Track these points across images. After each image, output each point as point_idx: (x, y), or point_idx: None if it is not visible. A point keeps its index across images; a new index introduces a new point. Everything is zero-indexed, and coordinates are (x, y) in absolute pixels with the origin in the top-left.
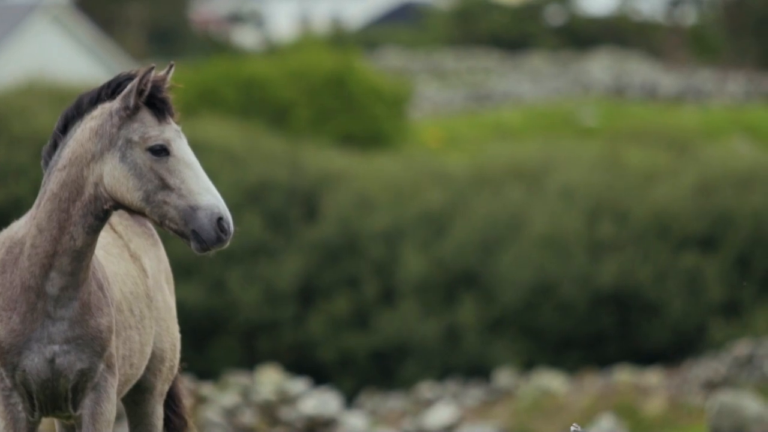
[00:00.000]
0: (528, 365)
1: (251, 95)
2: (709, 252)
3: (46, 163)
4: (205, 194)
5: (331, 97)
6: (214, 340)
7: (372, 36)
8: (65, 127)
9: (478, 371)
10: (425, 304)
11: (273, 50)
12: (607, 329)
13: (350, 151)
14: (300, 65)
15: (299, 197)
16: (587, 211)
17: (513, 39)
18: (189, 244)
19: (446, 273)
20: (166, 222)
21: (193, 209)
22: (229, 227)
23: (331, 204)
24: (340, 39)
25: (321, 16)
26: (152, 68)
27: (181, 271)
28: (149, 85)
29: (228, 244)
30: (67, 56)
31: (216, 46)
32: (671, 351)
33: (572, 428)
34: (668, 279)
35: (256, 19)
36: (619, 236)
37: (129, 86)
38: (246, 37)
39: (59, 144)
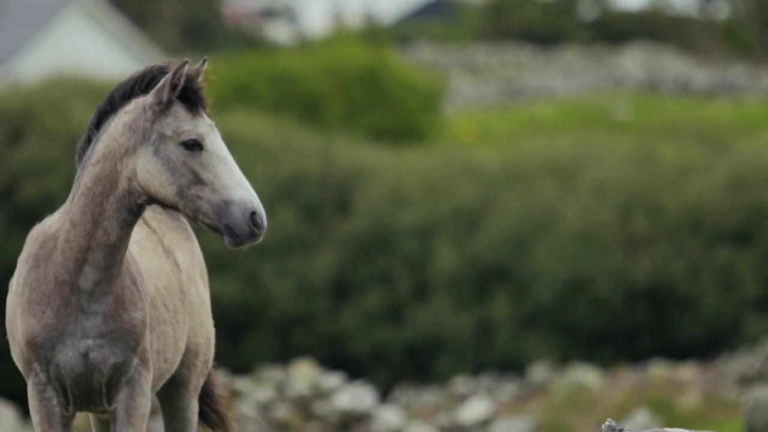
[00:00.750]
0: (562, 360)
1: (284, 90)
2: (743, 246)
3: (80, 158)
4: (238, 189)
5: (363, 91)
6: (248, 334)
7: (405, 31)
8: (99, 122)
9: (511, 366)
10: (458, 299)
11: (305, 45)
12: (640, 324)
13: (383, 146)
14: (332, 60)
15: (332, 191)
16: (620, 205)
17: (546, 33)
18: (222, 239)
19: (479, 268)
20: (200, 216)
21: (227, 204)
22: (262, 222)
23: (364, 198)
24: (372, 34)
25: (354, 11)
26: (186, 62)
27: (215, 265)
28: (183, 80)
29: (261, 238)
30: (100, 51)
31: (249, 40)
32: (705, 346)
33: (606, 423)
34: (702, 274)
35: (288, 14)
36: (652, 231)
37: (162, 80)
38: (278, 32)
39: (93, 139)
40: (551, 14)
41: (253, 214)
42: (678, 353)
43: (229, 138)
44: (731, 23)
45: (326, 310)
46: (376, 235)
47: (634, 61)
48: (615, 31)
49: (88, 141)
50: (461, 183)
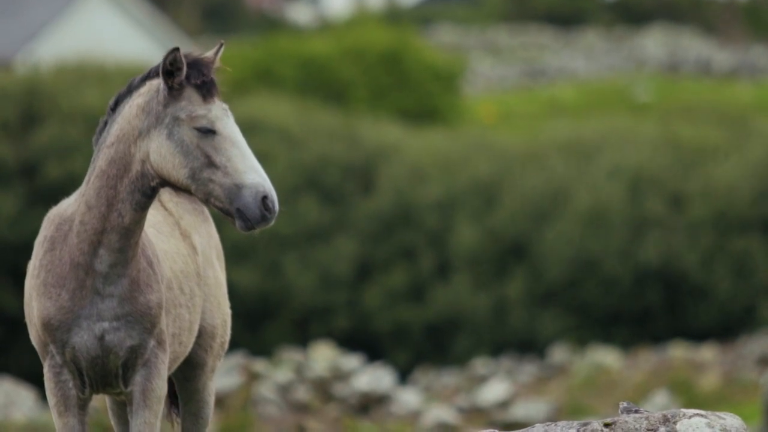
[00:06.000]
0: (580, 341)
1: (309, 75)
2: (759, 232)
3: (97, 141)
4: (250, 173)
5: (386, 75)
6: (267, 324)
7: (426, 12)
8: (116, 106)
9: (528, 346)
10: (477, 277)
11: (327, 27)
12: (653, 306)
13: (405, 128)
14: (355, 43)
15: (355, 170)
16: (634, 187)
17: (567, 15)
18: (234, 223)
19: (498, 244)
20: (212, 200)
21: (238, 187)
22: (273, 206)
23: (386, 176)
24: (394, 16)
25: None
26: (176, 49)
27: (237, 255)
28: (177, 65)
29: (272, 223)
30: (120, 33)
31: (270, 23)
32: (720, 331)
33: (622, 405)
34: (716, 259)
35: None
36: (666, 213)
37: (154, 67)
38: (300, 14)
39: (109, 122)
40: None
41: (265, 198)
42: (696, 335)
43: (252, 122)
44: (753, 4)
45: (347, 302)
46: (398, 211)
47: (655, 43)
48: (636, 13)
49: (105, 124)
50: (479, 160)
